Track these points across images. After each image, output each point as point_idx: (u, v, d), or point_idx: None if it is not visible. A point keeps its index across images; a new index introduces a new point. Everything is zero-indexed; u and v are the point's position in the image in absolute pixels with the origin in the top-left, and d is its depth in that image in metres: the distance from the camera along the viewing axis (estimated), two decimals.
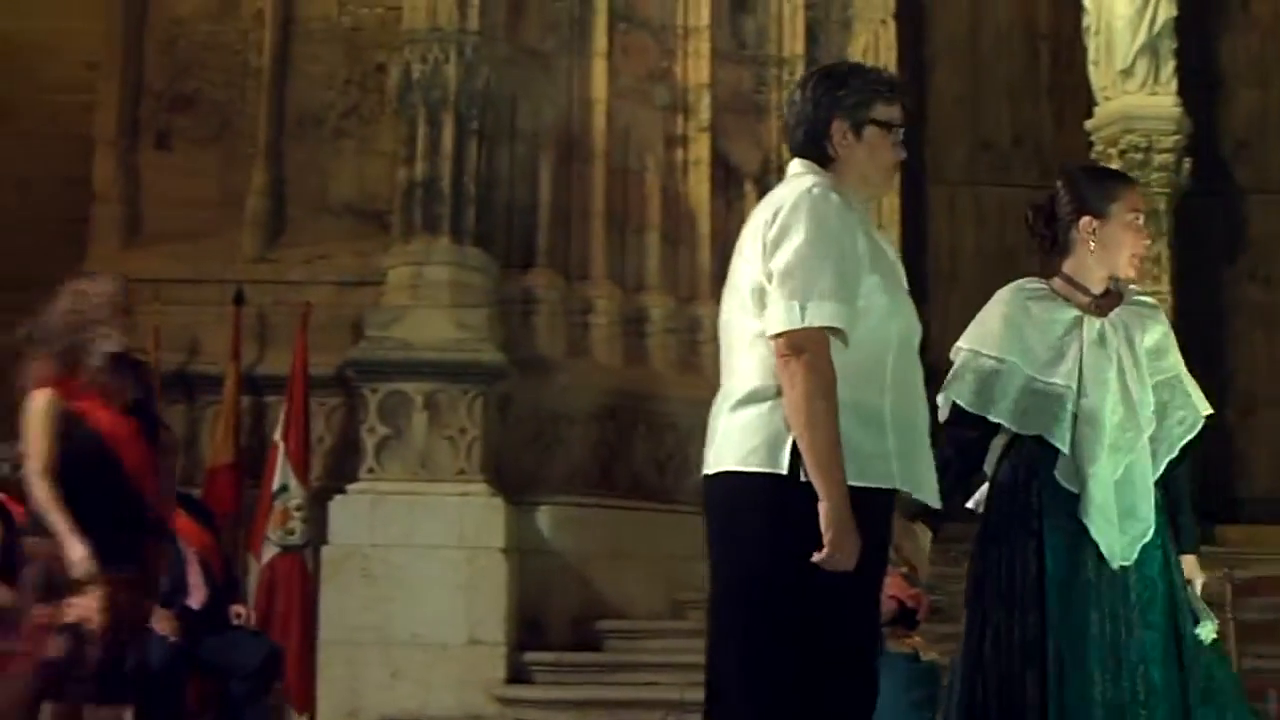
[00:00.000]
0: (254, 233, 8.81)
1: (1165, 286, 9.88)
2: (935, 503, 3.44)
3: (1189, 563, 3.87)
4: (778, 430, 3.21)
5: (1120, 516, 3.76)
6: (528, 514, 8.16)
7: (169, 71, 8.97)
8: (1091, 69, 10.22)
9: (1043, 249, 4.02)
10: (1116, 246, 3.88)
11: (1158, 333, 3.90)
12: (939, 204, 10.09)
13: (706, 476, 3.35)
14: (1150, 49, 10.03)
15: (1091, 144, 10.20)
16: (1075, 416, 3.78)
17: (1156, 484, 3.82)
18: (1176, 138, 10.03)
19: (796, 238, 3.23)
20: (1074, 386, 3.80)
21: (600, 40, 9.09)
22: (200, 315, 8.53)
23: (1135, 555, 3.76)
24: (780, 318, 3.20)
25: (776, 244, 3.25)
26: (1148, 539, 3.78)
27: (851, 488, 3.17)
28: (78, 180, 9.07)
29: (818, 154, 3.42)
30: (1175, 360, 3.92)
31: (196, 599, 6.05)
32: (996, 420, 3.84)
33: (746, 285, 3.32)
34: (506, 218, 8.77)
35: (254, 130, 8.89)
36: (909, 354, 3.37)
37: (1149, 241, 4.09)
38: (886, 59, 10.13)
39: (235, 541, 7.77)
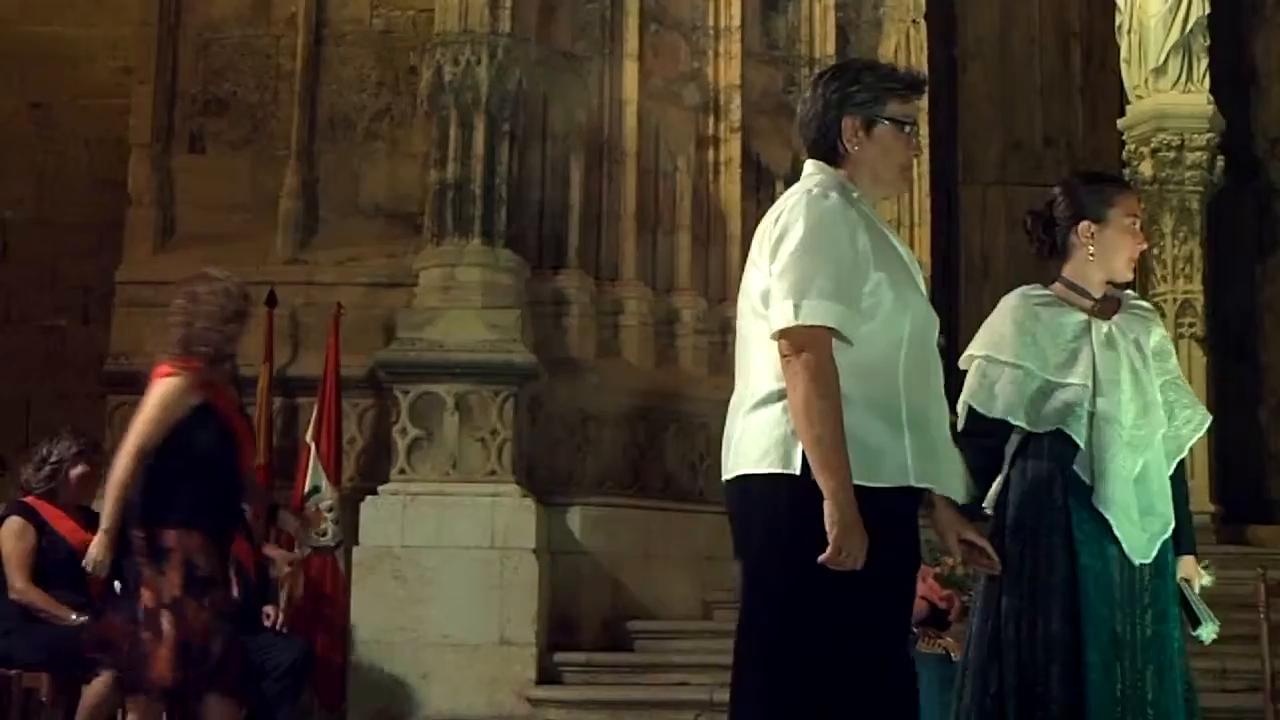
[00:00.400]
0: (286, 234, 8.85)
1: (1197, 285, 9.86)
2: (960, 497, 3.45)
3: (1187, 563, 3.90)
4: (789, 431, 3.21)
5: (1140, 514, 3.80)
6: (559, 515, 8.17)
7: (202, 75, 9.02)
8: (1124, 67, 10.20)
9: (1040, 254, 4.10)
10: (1114, 250, 3.96)
11: (1159, 335, 3.98)
12: (971, 204, 10.09)
13: (727, 481, 3.36)
14: (1183, 47, 10.00)
15: (1124, 143, 10.18)
16: (1092, 416, 3.82)
17: None
18: (1209, 136, 10.00)
19: (793, 238, 3.26)
20: (1090, 386, 3.84)
21: (631, 41, 9.09)
22: None
23: (1154, 552, 3.80)
24: (779, 317, 3.22)
25: (776, 245, 3.28)
26: (1166, 536, 3.83)
27: (868, 488, 3.18)
28: (112, 183, 9.14)
29: (827, 151, 3.44)
30: (1176, 363, 4.01)
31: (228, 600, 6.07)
32: (1016, 424, 3.89)
33: (756, 289, 3.34)
34: (538, 219, 8.78)
35: (286, 133, 8.93)
36: (924, 350, 3.37)
37: (1144, 245, 4.10)
38: (917, 59, 10.11)
39: (266, 541, 7.79)
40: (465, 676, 7.64)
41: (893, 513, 3.26)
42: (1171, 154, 9.98)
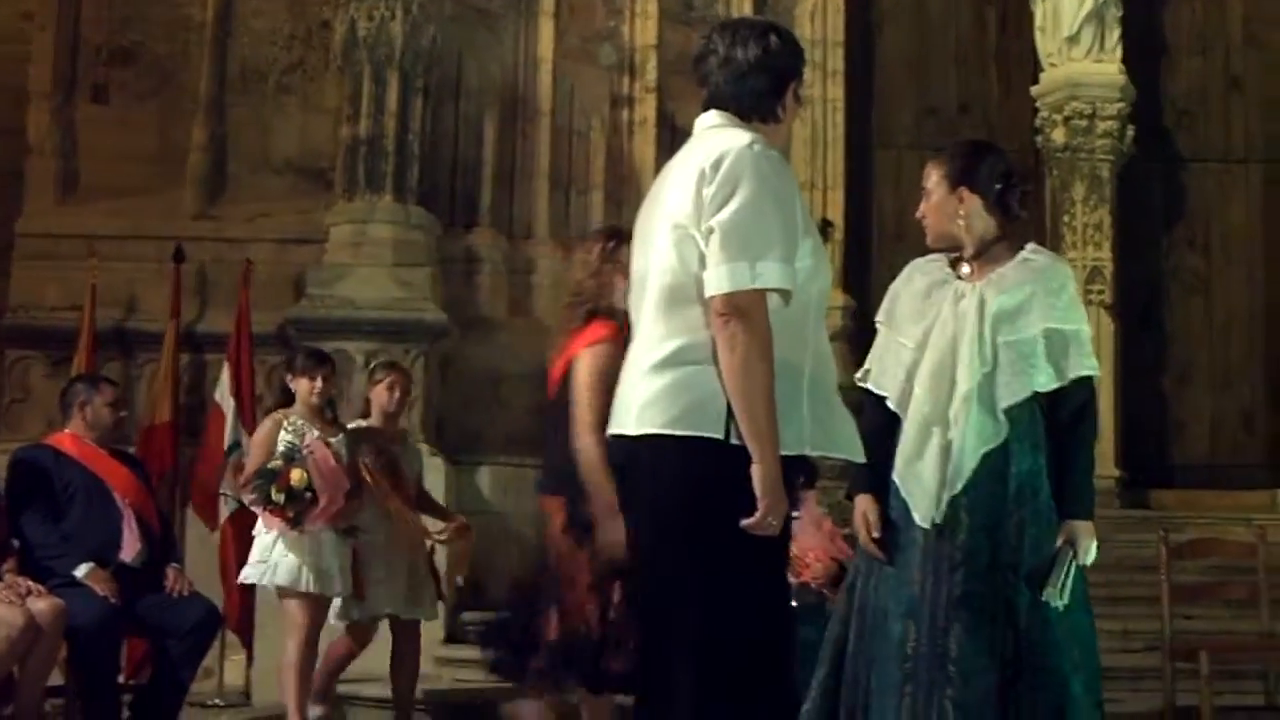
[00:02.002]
0: (194, 189, 8.73)
1: (1106, 253, 9.97)
2: (859, 457, 3.45)
3: (1073, 528, 3.82)
4: (711, 393, 3.14)
5: (924, 473, 3.82)
6: (468, 474, 8.15)
7: (107, 24, 8.85)
8: (1038, 35, 10.26)
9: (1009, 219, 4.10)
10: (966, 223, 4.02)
11: (1020, 295, 3.88)
12: (885, 168, 10.12)
13: (623, 438, 3.26)
14: (1096, 17, 10.07)
15: (1037, 110, 10.25)
16: (911, 375, 3.90)
17: (1010, 445, 3.81)
18: (1121, 105, 10.08)
19: (743, 194, 3.14)
20: (913, 347, 3.91)
21: None
22: (139, 272, 8.46)
23: (943, 514, 3.79)
24: (726, 278, 3.11)
25: (719, 199, 3.15)
26: (965, 499, 3.79)
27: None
28: (12, 132, 8.95)
29: (765, 110, 3.35)
30: (1036, 320, 3.86)
31: (130, 553, 5.99)
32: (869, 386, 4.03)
33: (671, 240, 3.22)
34: (450, 176, 8.74)
35: (195, 85, 8.81)
36: (821, 315, 3.35)
37: (920, 214, 4.09)
38: (834, 22, 10.14)
39: (173, 499, 7.70)
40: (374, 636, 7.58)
41: (793, 475, 3.23)
42: (1083, 122, 10.06)
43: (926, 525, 3.81)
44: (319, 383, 6.16)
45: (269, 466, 5.89)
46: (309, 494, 5.79)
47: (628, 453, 3.28)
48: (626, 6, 9.38)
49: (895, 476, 3.87)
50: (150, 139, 8.77)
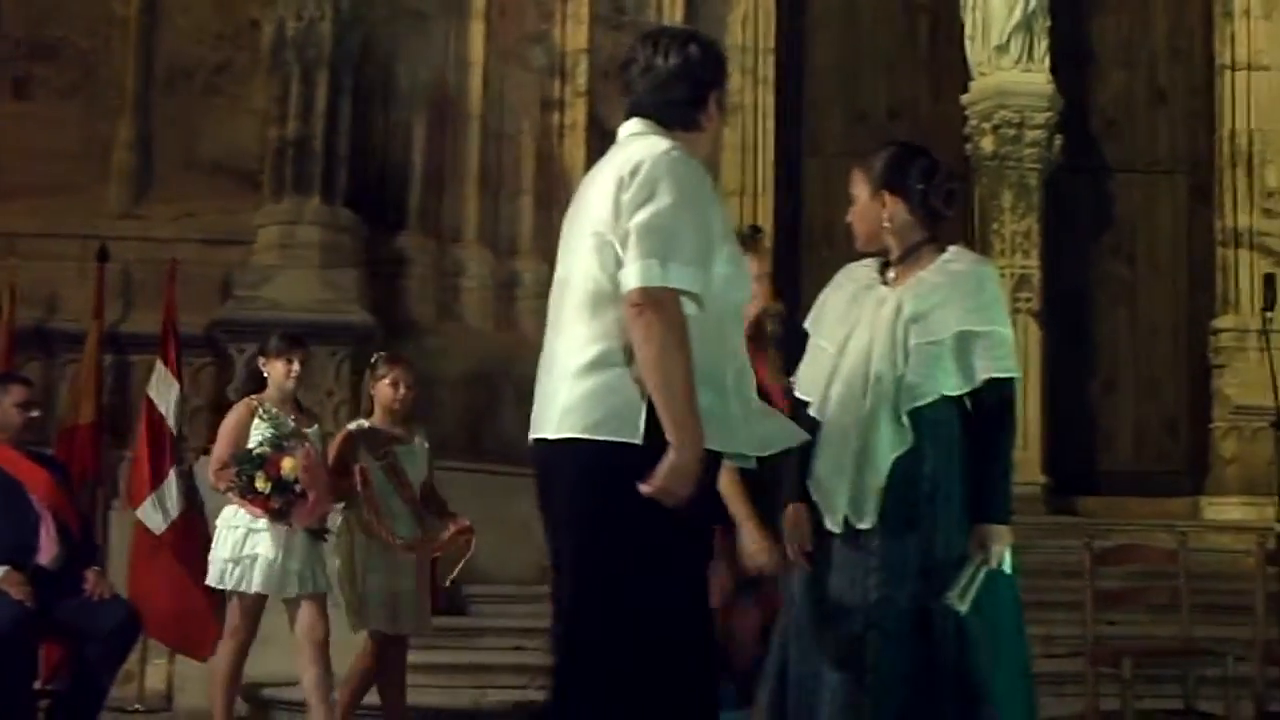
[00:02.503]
0: (119, 187, 8.63)
1: (1034, 261, 10.06)
2: (796, 438, 3.52)
3: (985, 531, 3.79)
4: (631, 397, 3.15)
5: (835, 476, 3.81)
6: None
7: (28, 18, 8.73)
8: (968, 44, 10.34)
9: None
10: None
11: (936, 297, 3.88)
12: (814, 175, 10.15)
13: (544, 441, 3.26)
14: (1025, 26, 10.17)
15: (966, 118, 10.32)
16: (834, 381, 3.89)
17: (918, 451, 3.80)
18: (1049, 114, 10.18)
19: (660, 199, 3.17)
20: (834, 351, 3.91)
21: (478, 1, 9.01)
22: (61, 271, 8.33)
23: (866, 517, 3.77)
24: (638, 274, 3.13)
25: (636, 203, 3.18)
26: (879, 504, 3.77)
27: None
28: None
29: (685, 118, 3.37)
30: (950, 322, 3.84)
31: (47, 556, 5.90)
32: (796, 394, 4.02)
33: (591, 245, 3.24)
34: (379, 179, 8.70)
35: (120, 82, 8.70)
36: (740, 325, 3.39)
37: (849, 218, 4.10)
38: (765, 29, 10.19)
39: (94, 502, 7.61)
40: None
41: (712, 478, 3.26)
42: (1012, 131, 10.15)
43: (838, 530, 3.79)
44: (295, 366, 5.99)
45: (255, 452, 5.69)
46: (298, 486, 5.61)
47: (547, 457, 3.27)
48: (558, 10, 9.37)
49: (810, 482, 3.85)
50: (73, 136, 8.64)
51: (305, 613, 5.99)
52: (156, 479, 7.46)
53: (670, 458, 3.08)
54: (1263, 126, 10.39)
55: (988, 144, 10.19)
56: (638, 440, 3.14)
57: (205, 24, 8.80)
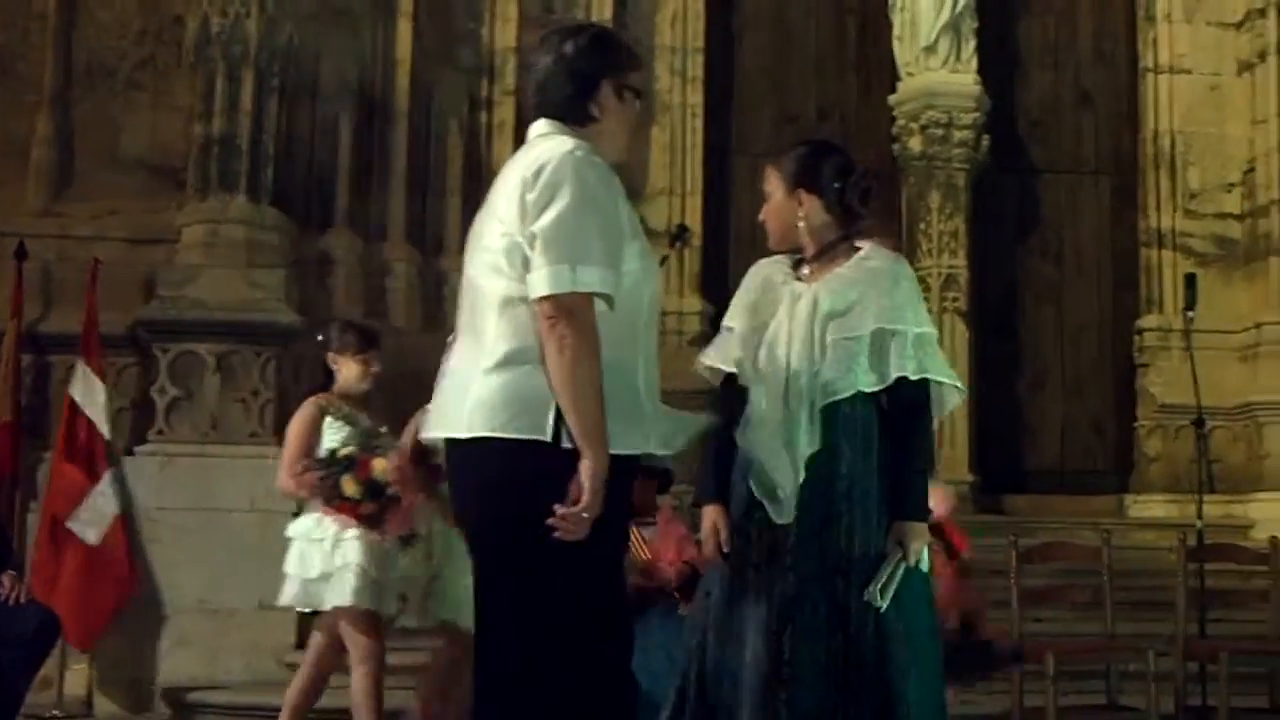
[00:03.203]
0: (38, 184, 8.51)
1: (962, 261, 10.11)
2: (705, 430, 3.57)
3: (903, 529, 3.82)
4: (540, 396, 3.15)
5: (772, 471, 3.82)
6: None
7: None
8: (896, 44, 10.38)
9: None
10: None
11: (853, 294, 3.90)
12: (743, 174, 10.14)
13: (453, 441, 3.25)
14: (952, 27, 10.21)
15: (894, 118, 10.36)
16: (751, 374, 3.91)
17: (832, 446, 3.83)
18: (976, 115, 10.23)
19: (562, 201, 3.17)
20: (755, 345, 3.92)
21: (406, 0, 8.95)
22: None
23: (791, 514, 3.79)
24: (547, 281, 3.13)
25: (540, 205, 3.18)
26: (809, 499, 3.79)
27: (613, 455, 3.15)
28: None
29: (578, 113, 3.37)
30: (867, 320, 3.87)
31: None
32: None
33: (500, 246, 3.24)
34: (306, 177, 8.62)
35: (38, 77, 8.57)
36: (653, 320, 3.38)
37: (762, 218, 4.11)
38: (694, 28, 10.20)
39: (11, 504, 7.50)
40: (223, 643, 7.47)
41: (626, 478, 3.27)
42: (940, 131, 10.19)
43: (783, 520, 3.79)
44: (374, 366, 5.69)
45: (341, 453, 5.34)
46: (391, 489, 5.18)
47: (456, 456, 3.27)
48: (486, 9, 9.34)
49: (750, 479, 3.84)
50: None
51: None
52: (88, 484, 7.37)
53: (582, 469, 3.08)
54: (1185, 129, 10.50)
55: (915, 144, 10.23)
56: (546, 438, 3.13)
57: (127, 19, 8.69)
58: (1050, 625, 7.02)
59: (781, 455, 3.82)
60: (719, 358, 4.02)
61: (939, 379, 3.93)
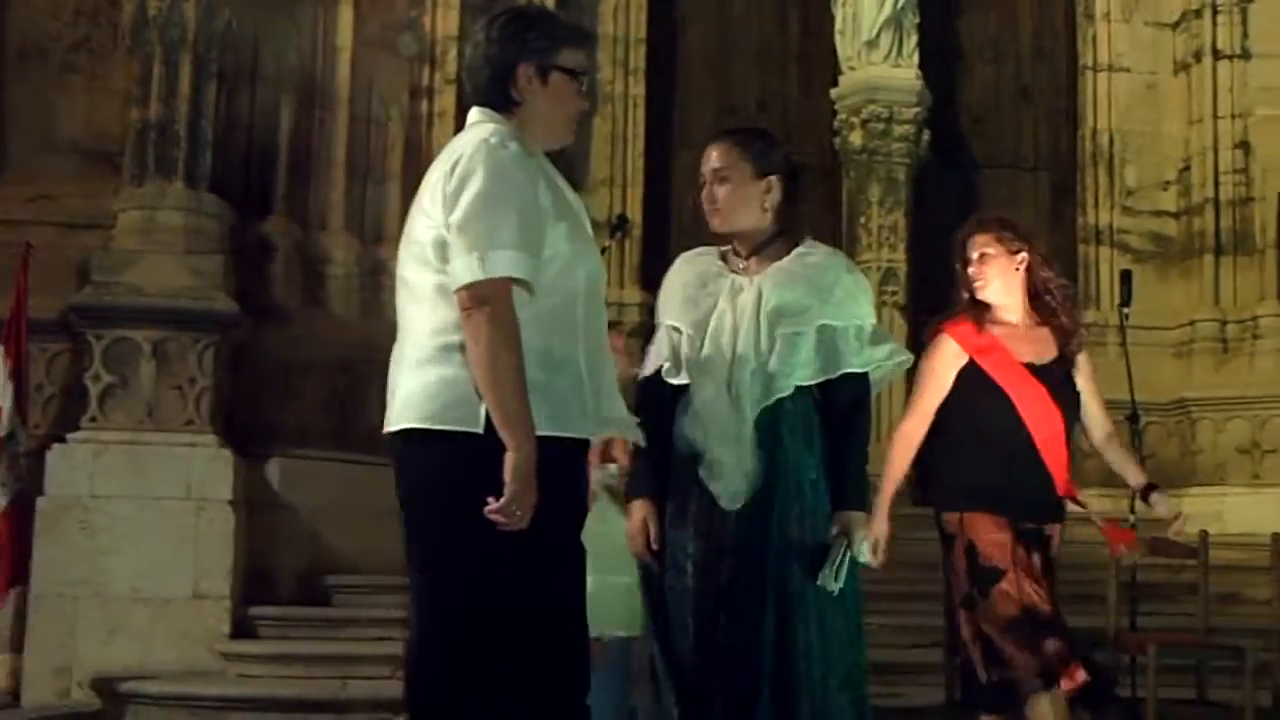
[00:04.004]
0: None
1: (901, 254, 10.17)
2: (639, 439, 3.50)
3: (847, 518, 3.84)
4: (469, 388, 3.13)
5: (728, 461, 3.81)
6: (258, 466, 7.98)
7: None
8: (838, 38, 10.42)
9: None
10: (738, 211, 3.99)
11: (798, 289, 3.89)
12: (684, 166, 10.14)
13: (393, 434, 3.25)
14: (894, 22, 10.27)
15: (836, 112, 10.40)
16: (696, 365, 3.87)
17: (783, 435, 3.84)
18: (917, 110, 10.29)
19: (474, 188, 3.15)
20: (696, 335, 3.88)
21: None
22: None
23: (742, 500, 3.80)
24: (462, 270, 3.13)
25: (455, 195, 3.17)
26: (757, 487, 3.81)
27: (552, 438, 3.14)
28: None
29: (500, 99, 3.35)
30: (812, 315, 3.88)
31: None
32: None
33: (427, 239, 3.23)
34: (244, 164, 8.54)
35: None
36: (596, 300, 3.35)
37: (709, 203, 3.98)
38: (637, 19, 10.21)
39: None
40: (156, 631, 7.41)
41: (575, 462, 3.26)
42: (880, 125, 10.24)
43: (733, 507, 3.80)
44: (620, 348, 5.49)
45: None
46: None
47: (394, 449, 3.26)
48: None
49: (702, 468, 3.82)
50: None
51: None
52: None
53: (507, 460, 3.07)
54: (1122, 127, 10.60)
55: (856, 138, 10.28)
56: (478, 430, 3.12)
57: (61, 0, 8.58)
58: None
59: (730, 447, 3.81)
60: (662, 363, 3.96)
61: (891, 362, 3.97)
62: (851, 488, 3.89)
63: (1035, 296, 4.81)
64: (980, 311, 4.82)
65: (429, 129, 9.09)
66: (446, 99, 9.13)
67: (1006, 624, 4.55)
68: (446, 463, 3.16)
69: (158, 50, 8.10)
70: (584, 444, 3.29)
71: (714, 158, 3.99)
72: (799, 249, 3.98)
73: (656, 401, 3.90)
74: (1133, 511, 7.18)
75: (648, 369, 4.01)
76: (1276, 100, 10.16)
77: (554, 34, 3.39)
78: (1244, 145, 10.18)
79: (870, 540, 4.03)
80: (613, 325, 5.15)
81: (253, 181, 8.55)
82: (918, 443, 4.84)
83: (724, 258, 4.01)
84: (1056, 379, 4.77)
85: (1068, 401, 4.80)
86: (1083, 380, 4.88)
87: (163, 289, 7.84)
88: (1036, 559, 4.71)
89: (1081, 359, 4.87)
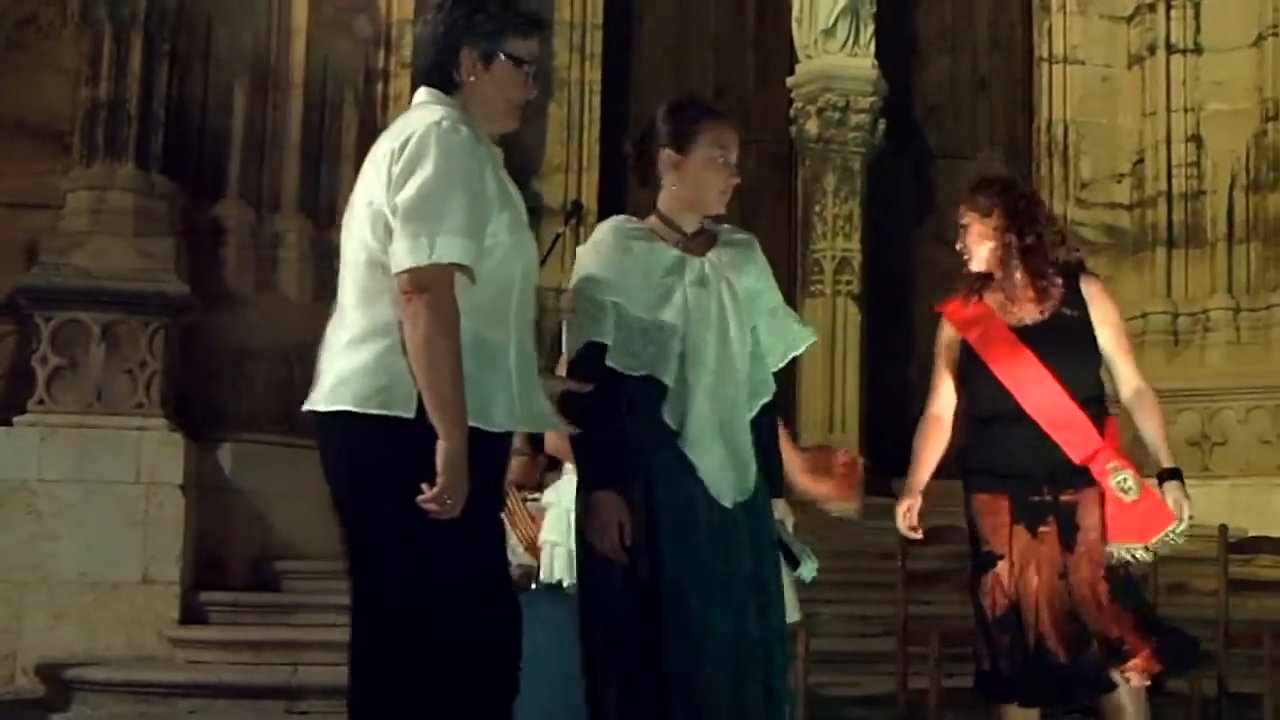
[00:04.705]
0: None
1: (856, 244, 10.18)
2: (566, 429, 3.47)
3: (780, 505, 3.88)
4: (402, 372, 3.11)
5: (727, 454, 3.73)
6: (209, 451, 7.92)
7: None
8: (795, 26, 10.42)
9: (639, 183, 3.91)
10: (700, 183, 3.80)
11: (753, 273, 3.86)
12: None
13: (320, 414, 3.20)
14: (851, 11, 10.27)
15: (792, 100, 10.39)
16: (682, 357, 3.72)
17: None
18: (873, 99, 10.30)
19: (424, 171, 3.12)
20: (680, 325, 3.72)
21: None
22: None
23: (744, 493, 3.74)
24: (406, 253, 3.09)
25: (403, 177, 3.13)
26: (753, 477, 3.77)
27: (480, 431, 3.12)
28: None
29: (443, 80, 3.32)
30: (773, 297, 3.89)
31: None
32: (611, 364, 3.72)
33: (366, 215, 3.20)
34: (198, 145, 8.47)
35: None
36: (529, 292, 3.32)
37: (737, 179, 3.85)
38: (594, 5, 10.20)
39: None
40: (104, 616, 7.35)
41: (499, 454, 3.26)
42: (836, 114, 10.25)
43: (730, 504, 3.71)
44: None
45: None
46: None
47: (321, 430, 3.23)
48: None
49: (699, 462, 3.70)
50: None
51: None
52: None
53: (439, 448, 3.04)
54: (1078, 118, 10.64)
55: (812, 127, 10.28)
56: (410, 414, 3.09)
57: None
58: (936, 608, 7.07)
59: (741, 440, 3.76)
60: (629, 361, 3.72)
61: (808, 342, 3.95)
62: (780, 472, 3.89)
63: (1027, 251, 4.61)
64: (980, 282, 4.71)
65: (384, 112, 9.01)
66: (402, 82, 9.05)
67: (990, 616, 4.51)
68: (377, 446, 3.13)
69: (108, 28, 8.02)
70: (507, 436, 3.27)
71: (729, 136, 3.87)
72: (722, 226, 3.92)
73: (604, 382, 3.68)
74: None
75: (579, 339, 3.73)
76: (1228, 95, 10.22)
77: (502, 19, 3.35)
78: (1196, 139, 10.24)
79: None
80: None
81: (205, 163, 8.48)
82: (937, 423, 4.85)
83: (653, 230, 3.84)
84: (1057, 335, 4.55)
85: (1068, 358, 4.56)
86: (1098, 324, 4.60)
87: (112, 271, 7.76)
88: (1052, 536, 4.51)
89: (1096, 298, 4.61)
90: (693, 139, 3.80)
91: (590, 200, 9.70)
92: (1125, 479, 4.47)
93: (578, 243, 9.72)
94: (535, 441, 5.93)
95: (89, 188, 7.95)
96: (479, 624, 3.15)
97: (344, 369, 3.16)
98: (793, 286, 10.01)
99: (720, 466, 3.71)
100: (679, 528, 3.67)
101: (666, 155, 3.80)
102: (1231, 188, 10.14)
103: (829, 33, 10.27)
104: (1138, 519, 4.50)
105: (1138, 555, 4.51)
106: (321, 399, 3.19)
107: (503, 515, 5.67)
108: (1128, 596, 4.50)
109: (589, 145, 10.02)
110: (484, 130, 3.32)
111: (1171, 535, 4.48)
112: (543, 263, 8.88)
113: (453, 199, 3.11)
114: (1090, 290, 4.64)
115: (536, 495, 5.85)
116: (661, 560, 3.64)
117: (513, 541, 5.69)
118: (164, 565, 7.44)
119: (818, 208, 10.25)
